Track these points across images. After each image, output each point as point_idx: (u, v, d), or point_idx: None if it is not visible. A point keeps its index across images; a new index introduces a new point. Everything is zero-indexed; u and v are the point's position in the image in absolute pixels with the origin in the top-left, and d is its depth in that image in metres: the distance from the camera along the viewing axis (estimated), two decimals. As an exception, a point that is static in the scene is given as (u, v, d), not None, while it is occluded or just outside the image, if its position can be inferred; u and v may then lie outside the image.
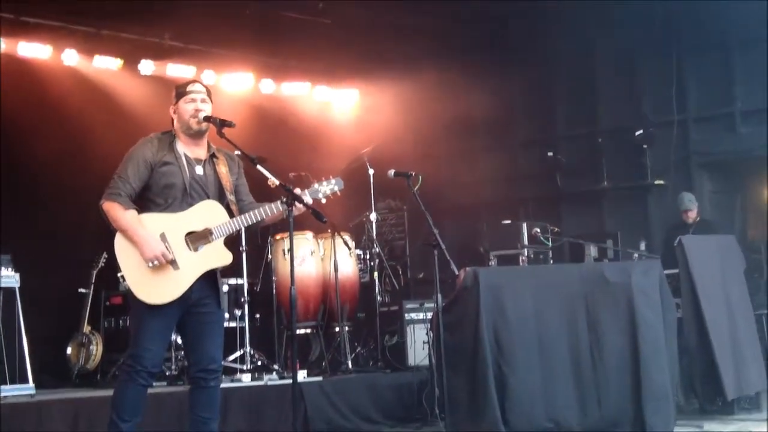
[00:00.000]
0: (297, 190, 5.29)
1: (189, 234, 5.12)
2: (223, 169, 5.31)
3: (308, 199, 5.31)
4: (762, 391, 7.68)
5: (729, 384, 7.19)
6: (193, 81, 5.46)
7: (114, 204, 5.05)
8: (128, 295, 5.12)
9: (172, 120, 5.34)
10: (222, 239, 5.20)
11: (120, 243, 5.05)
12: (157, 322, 5.06)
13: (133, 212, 5.07)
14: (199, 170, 5.24)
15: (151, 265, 5.00)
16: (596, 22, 10.65)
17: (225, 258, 5.24)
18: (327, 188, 5.41)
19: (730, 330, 7.41)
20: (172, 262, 5.05)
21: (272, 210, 5.27)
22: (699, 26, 10.39)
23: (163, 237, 5.05)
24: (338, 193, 5.45)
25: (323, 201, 5.40)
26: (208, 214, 5.19)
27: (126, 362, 5.08)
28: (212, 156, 5.32)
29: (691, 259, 7.32)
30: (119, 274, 5.02)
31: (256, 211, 5.25)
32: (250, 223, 5.26)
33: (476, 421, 6.36)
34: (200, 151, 5.30)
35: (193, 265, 5.10)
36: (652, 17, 10.49)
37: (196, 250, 5.12)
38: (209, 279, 5.19)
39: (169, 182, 5.14)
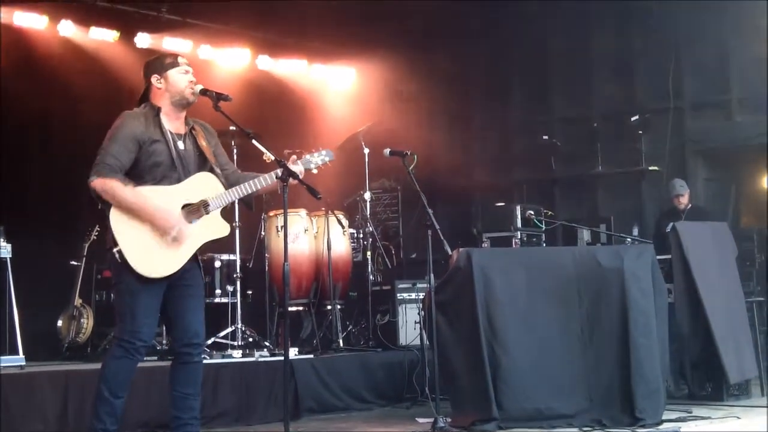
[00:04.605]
0: (291, 159, 5.31)
1: (185, 206, 5.10)
2: (203, 142, 5.27)
3: (301, 168, 5.33)
4: (752, 378, 7.70)
5: (731, 368, 7.19)
6: (177, 54, 5.42)
7: (110, 181, 4.95)
8: (118, 270, 5.00)
9: (148, 90, 5.23)
10: (218, 211, 5.19)
11: (117, 218, 4.96)
12: (149, 296, 5.03)
13: (133, 188, 5.00)
14: (181, 145, 5.18)
15: (173, 233, 4.98)
16: (594, 7, 10.63)
17: (223, 229, 5.23)
18: (318, 159, 5.45)
19: (727, 315, 7.42)
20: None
21: (266, 181, 5.26)
22: (696, 13, 10.38)
23: None
24: (329, 164, 5.50)
25: (315, 171, 5.46)
26: (204, 186, 5.17)
27: (122, 338, 5.01)
28: (191, 129, 5.28)
29: (685, 245, 7.32)
30: (115, 250, 4.95)
31: (252, 181, 5.24)
32: (246, 194, 5.24)
33: (476, 401, 6.37)
34: (180, 125, 5.25)
35: (192, 238, 5.08)
36: (649, 4, 10.48)
37: (192, 222, 5.10)
38: None
39: (157, 160, 5.08)
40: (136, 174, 5.06)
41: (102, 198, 4.98)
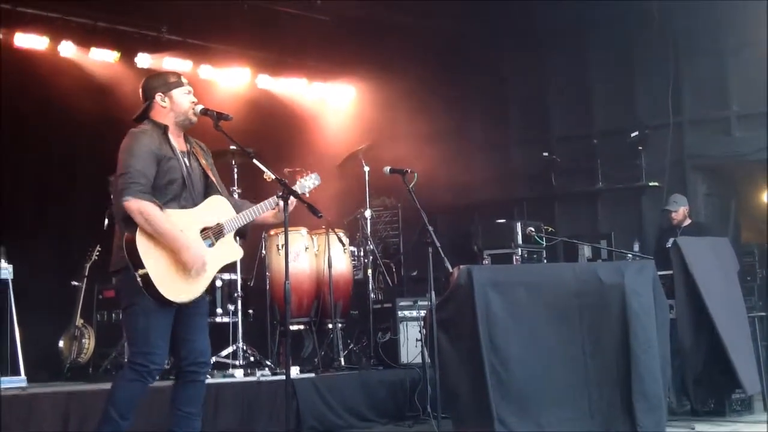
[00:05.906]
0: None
1: (203, 230, 5.12)
2: (203, 160, 5.29)
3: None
4: (754, 394, 7.68)
5: (745, 378, 7.16)
6: (180, 73, 5.41)
7: (147, 203, 4.89)
8: (133, 292, 4.93)
9: (149, 108, 5.20)
10: (232, 233, 5.22)
11: (143, 241, 4.90)
12: (164, 319, 5.01)
13: (167, 214, 4.96)
14: (187, 163, 5.20)
15: (193, 272, 4.96)
16: (592, 23, 10.67)
17: (238, 252, 5.29)
18: (310, 182, 5.56)
19: (731, 329, 7.39)
20: None
21: (271, 204, 5.33)
22: (695, 29, 10.43)
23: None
24: (318, 187, 5.63)
25: (307, 195, 5.53)
26: (218, 209, 5.21)
27: (135, 361, 4.97)
28: (192, 147, 5.30)
29: (688, 259, 7.29)
30: (140, 272, 4.88)
31: (260, 205, 5.30)
32: (257, 216, 5.30)
33: (478, 418, 6.36)
34: (182, 143, 5.26)
35: (212, 261, 5.10)
36: (648, 19, 10.51)
37: (211, 245, 5.11)
38: None
39: (172, 178, 5.07)
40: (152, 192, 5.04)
41: (131, 219, 4.90)
